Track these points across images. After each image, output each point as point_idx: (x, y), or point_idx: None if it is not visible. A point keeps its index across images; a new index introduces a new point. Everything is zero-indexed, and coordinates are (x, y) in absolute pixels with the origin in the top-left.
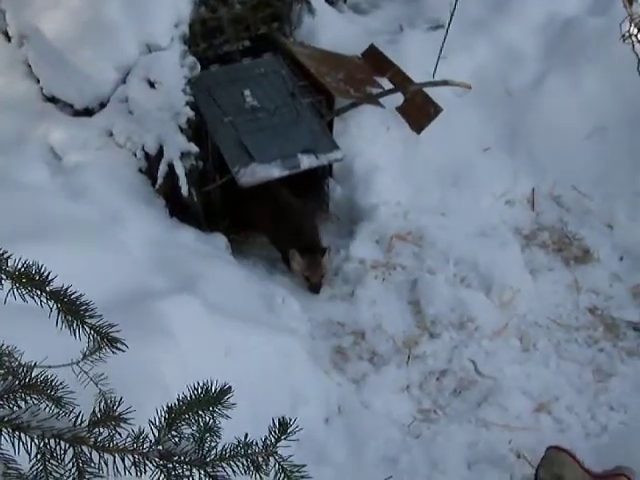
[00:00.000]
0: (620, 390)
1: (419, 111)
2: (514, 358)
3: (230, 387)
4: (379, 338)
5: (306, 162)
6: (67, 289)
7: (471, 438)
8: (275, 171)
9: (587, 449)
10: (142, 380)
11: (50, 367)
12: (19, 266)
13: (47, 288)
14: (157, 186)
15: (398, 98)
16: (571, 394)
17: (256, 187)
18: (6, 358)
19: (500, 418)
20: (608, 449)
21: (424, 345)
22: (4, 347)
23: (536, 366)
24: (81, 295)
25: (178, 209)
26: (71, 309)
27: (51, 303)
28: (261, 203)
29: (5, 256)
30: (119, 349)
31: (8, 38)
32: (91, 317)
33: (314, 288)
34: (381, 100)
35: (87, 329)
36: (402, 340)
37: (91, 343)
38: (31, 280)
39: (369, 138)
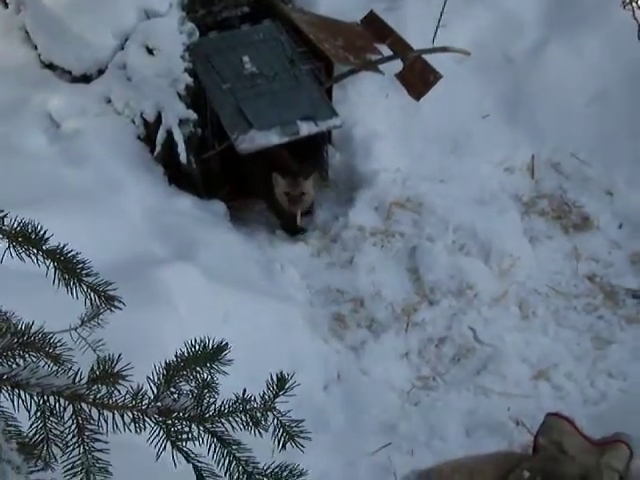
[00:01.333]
0: (619, 357)
1: (418, 78)
2: (513, 325)
3: (227, 344)
4: (378, 305)
5: (305, 129)
6: (63, 247)
7: (470, 405)
8: (274, 138)
9: (586, 416)
10: (141, 346)
11: (51, 333)
12: (15, 225)
13: (43, 247)
14: (155, 153)
15: (397, 65)
16: (570, 361)
17: (256, 153)
18: (4, 324)
19: (499, 385)
20: (607, 416)
21: (423, 312)
22: (2, 312)
23: (535, 333)
24: (77, 254)
25: (177, 176)
26: (68, 267)
27: (48, 262)
28: (260, 168)
29: (1, 215)
30: (116, 307)
31: (5, 4)
32: (88, 275)
33: (292, 202)
34: (380, 67)
35: (84, 287)
36: (401, 307)
37: (89, 304)
38: (27, 239)
39: (368, 105)
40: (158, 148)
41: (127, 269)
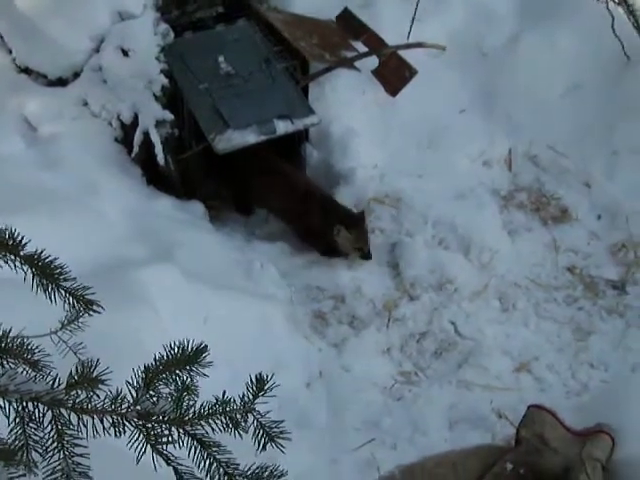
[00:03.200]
0: (600, 348)
1: (394, 74)
2: (494, 319)
3: (206, 346)
4: (359, 302)
5: (282, 127)
6: (41, 253)
7: (452, 399)
8: (251, 137)
9: (568, 407)
10: (121, 349)
11: (28, 337)
12: None
13: (21, 253)
14: (133, 155)
15: (373, 61)
16: (551, 353)
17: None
18: None
19: (481, 379)
20: (589, 407)
21: (404, 308)
22: None
23: (516, 326)
24: (55, 259)
25: (155, 177)
26: (45, 273)
27: (25, 268)
28: (263, 176)
29: None
30: (95, 311)
31: None
32: (66, 280)
33: (367, 256)
34: (356, 64)
35: (62, 292)
36: (382, 303)
37: (67, 309)
38: (4, 245)
39: (345, 102)
40: (135, 150)
41: (107, 271)
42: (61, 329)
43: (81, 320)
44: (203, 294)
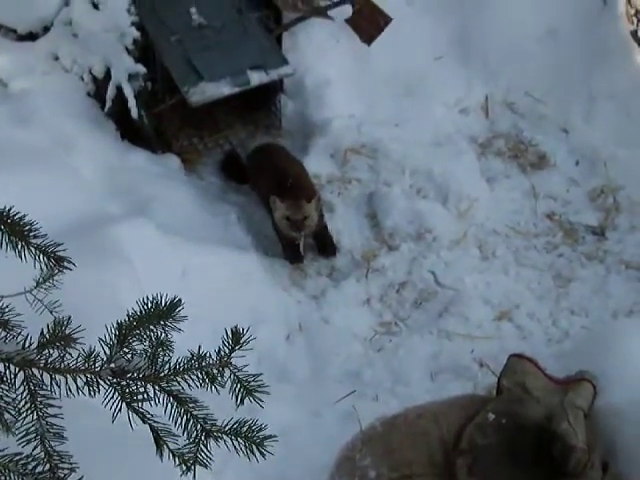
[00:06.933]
0: (580, 294)
1: (368, 22)
2: (473, 267)
3: (180, 300)
4: (337, 253)
5: (256, 78)
6: (10, 210)
7: (433, 349)
8: (225, 89)
9: (549, 355)
10: (99, 306)
11: (3, 297)
12: None
13: None
14: (106, 109)
15: (347, 10)
16: (532, 301)
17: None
18: None
19: (462, 328)
20: (570, 354)
21: (383, 258)
22: None
23: (496, 274)
24: (24, 215)
25: (129, 132)
26: (15, 230)
27: None
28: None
29: None
30: (66, 267)
31: None
32: (36, 237)
33: (293, 227)
34: (330, 13)
35: (32, 249)
36: (360, 254)
37: (38, 265)
38: None
39: (319, 52)
40: (108, 104)
41: (82, 228)
42: (36, 287)
43: (56, 278)
44: (180, 247)
